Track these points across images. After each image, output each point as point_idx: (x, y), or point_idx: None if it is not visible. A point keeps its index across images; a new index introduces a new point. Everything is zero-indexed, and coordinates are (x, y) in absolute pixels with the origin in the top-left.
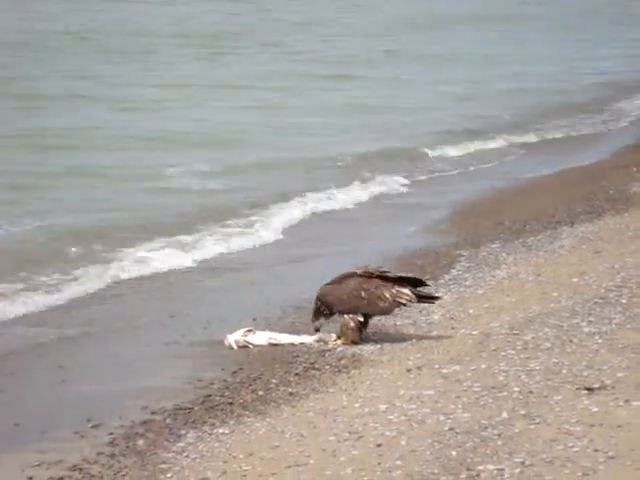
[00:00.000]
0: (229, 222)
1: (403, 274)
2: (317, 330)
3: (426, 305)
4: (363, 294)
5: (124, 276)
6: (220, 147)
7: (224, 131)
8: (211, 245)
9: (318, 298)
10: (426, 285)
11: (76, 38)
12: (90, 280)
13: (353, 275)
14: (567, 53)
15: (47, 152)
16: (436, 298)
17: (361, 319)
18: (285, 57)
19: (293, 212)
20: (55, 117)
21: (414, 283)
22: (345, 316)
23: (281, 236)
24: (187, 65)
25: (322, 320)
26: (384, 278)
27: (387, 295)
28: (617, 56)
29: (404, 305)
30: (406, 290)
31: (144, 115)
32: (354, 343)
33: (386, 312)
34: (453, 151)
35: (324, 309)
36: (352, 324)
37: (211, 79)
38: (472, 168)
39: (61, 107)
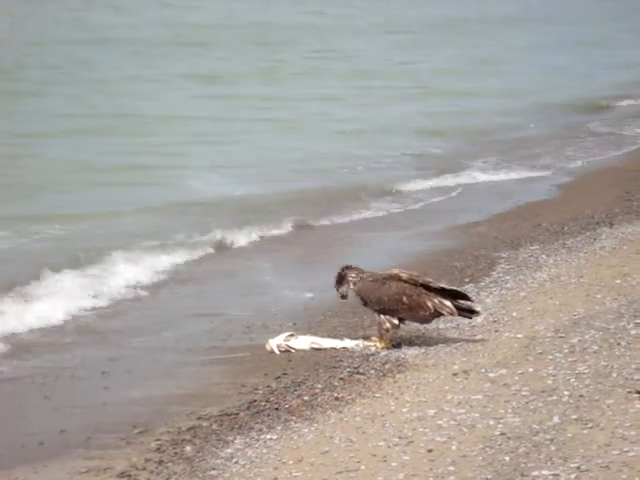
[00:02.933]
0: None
1: (446, 286)
2: (343, 297)
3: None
4: (405, 299)
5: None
6: None
7: None
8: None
9: (357, 292)
10: (468, 299)
11: None
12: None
13: (397, 278)
14: None
15: None
16: (476, 312)
17: (396, 322)
18: None
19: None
20: None
21: (455, 295)
22: (381, 316)
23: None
24: None
25: (344, 287)
26: (427, 288)
27: (429, 305)
28: None
29: (443, 316)
30: (448, 302)
31: None
32: (393, 347)
33: (425, 321)
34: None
35: (361, 301)
36: (387, 324)
37: None
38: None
39: None
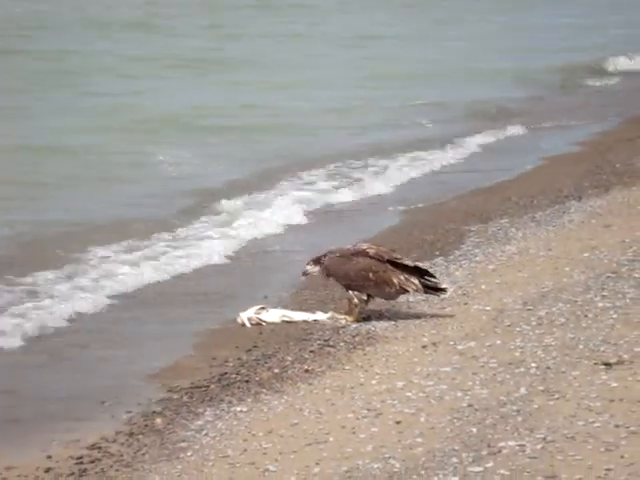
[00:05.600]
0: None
1: (412, 263)
2: (305, 274)
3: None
4: (371, 275)
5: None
6: None
7: None
8: None
9: (324, 268)
10: (433, 277)
11: None
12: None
13: (364, 254)
14: None
15: None
16: (442, 290)
17: (364, 297)
18: None
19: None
20: None
21: (422, 273)
22: (349, 292)
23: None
24: None
25: (315, 269)
26: (394, 264)
27: (395, 281)
28: None
29: (409, 293)
30: (414, 279)
31: None
32: (363, 320)
33: (391, 298)
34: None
35: (327, 275)
36: (355, 300)
37: None
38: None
39: None
